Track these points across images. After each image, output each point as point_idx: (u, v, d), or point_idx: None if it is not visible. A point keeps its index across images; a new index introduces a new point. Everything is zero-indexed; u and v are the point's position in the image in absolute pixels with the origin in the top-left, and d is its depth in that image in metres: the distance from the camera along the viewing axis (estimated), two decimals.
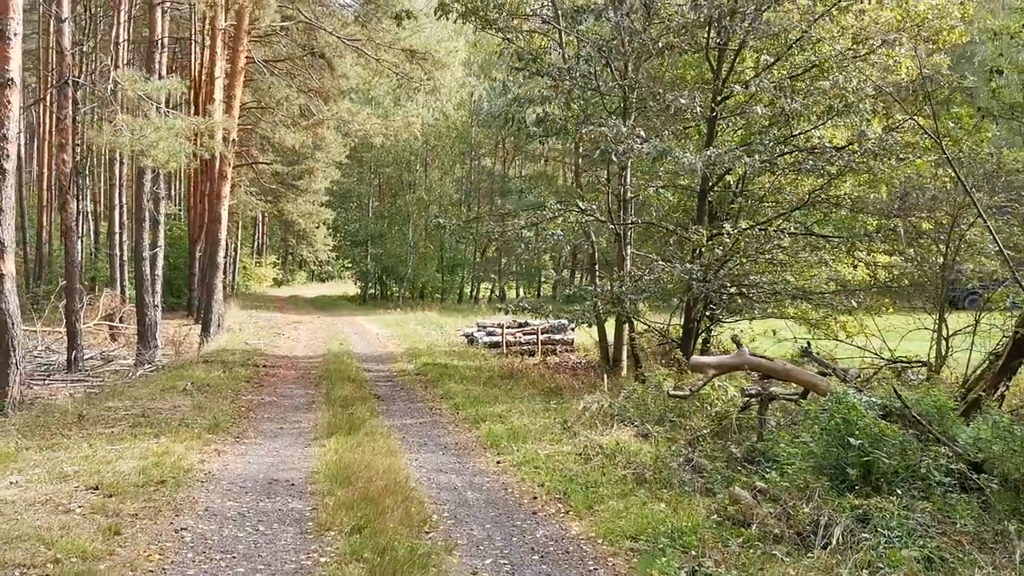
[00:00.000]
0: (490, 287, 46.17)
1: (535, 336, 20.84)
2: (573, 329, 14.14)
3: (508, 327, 21.35)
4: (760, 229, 14.10)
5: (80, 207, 37.12)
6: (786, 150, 13.64)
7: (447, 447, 8.59)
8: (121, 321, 23.67)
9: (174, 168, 11.51)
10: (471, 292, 44.65)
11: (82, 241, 38.73)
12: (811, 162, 12.86)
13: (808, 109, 12.98)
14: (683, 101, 12.94)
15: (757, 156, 12.40)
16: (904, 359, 10.44)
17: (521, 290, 48.56)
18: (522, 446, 8.15)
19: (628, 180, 16.11)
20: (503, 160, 43.95)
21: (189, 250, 31.55)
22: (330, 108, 27.24)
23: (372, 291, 42.36)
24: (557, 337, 21.32)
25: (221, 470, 7.26)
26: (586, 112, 14.01)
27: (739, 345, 7.56)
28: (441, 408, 11.16)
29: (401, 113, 29.00)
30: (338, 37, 22.73)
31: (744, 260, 14.11)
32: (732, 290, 14.31)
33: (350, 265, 44.79)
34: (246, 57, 22.36)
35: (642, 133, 13.19)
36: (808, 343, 12.50)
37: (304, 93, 26.94)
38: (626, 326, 16.37)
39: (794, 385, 7.80)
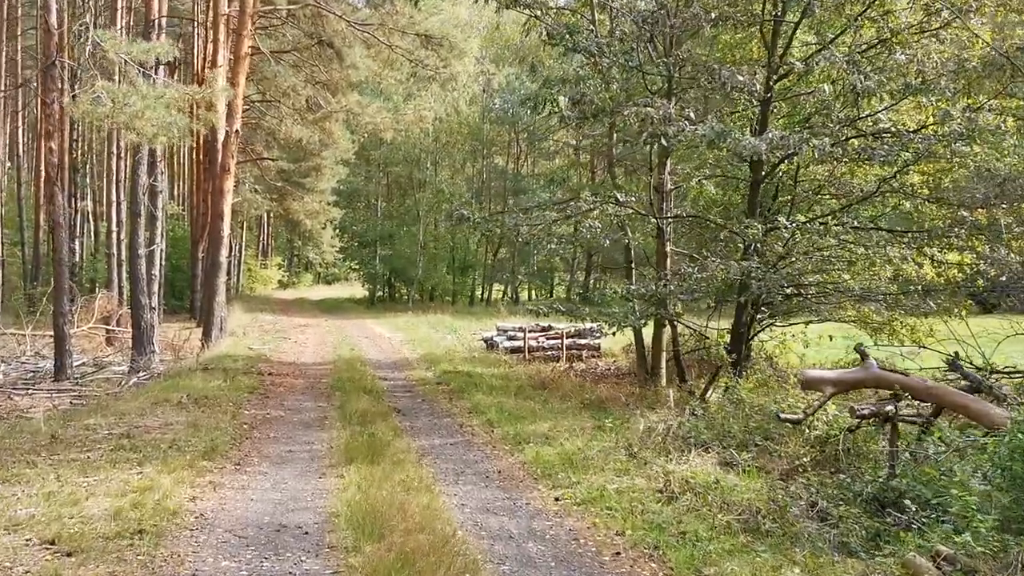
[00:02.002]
0: (502, 289, 44.77)
1: (560, 340, 19.45)
2: (613, 334, 12.70)
3: (530, 331, 19.95)
4: (820, 223, 12.64)
5: (79, 206, 35.93)
6: (851, 134, 12.20)
7: (489, 477, 7.15)
8: (118, 324, 22.32)
9: (164, 143, 10.13)
10: (482, 294, 43.23)
11: (82, 241, 37.56)
12: (885, 146, 11.40)
13: (882, 87, 11.53)
14: (741, 78, 11.50)
15: (827, 139, 10.94)
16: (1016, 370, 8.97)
17: (533, 292, 47.14)
18: (582, 477, 6.70)
19: (667, 171, 14.70)
20: (516, 158, 42.53)
21: (191, 251, 30.21)
22: (339, 100, 25.88)
23: (380, 293, 40.98)
24: (583, 342, 19.91)
25: (216, 511, 5.82)
26: (628, 92, 12.58)
27: (864, 356, 6.12)
28: (472, 425, 9.72)
29: (413, 106, 27.58)
30: (348, 22, 21.34)
31: (800, 257, 12.66)
32: (788, 290, 12.86)
33: (357, 267, 43.40)
34: (250, 46, 20.99)
35: (691, 115, 11.73)
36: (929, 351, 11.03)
37: (312, 84, 25.56)
38: (664, 330, 14.99)
39: (924, 404, 6.34)
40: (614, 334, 12.95)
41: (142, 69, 9.71)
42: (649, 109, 11.26)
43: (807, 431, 6.90)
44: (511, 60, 34.86)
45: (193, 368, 14.04)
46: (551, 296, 45.60)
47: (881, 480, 5.62)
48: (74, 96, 8.68)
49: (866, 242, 12.42)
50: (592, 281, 43.13)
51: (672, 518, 5.50)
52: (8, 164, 39.39)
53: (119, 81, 9.54)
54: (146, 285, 16.38)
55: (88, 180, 36.05)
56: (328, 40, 23.84)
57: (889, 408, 6.38)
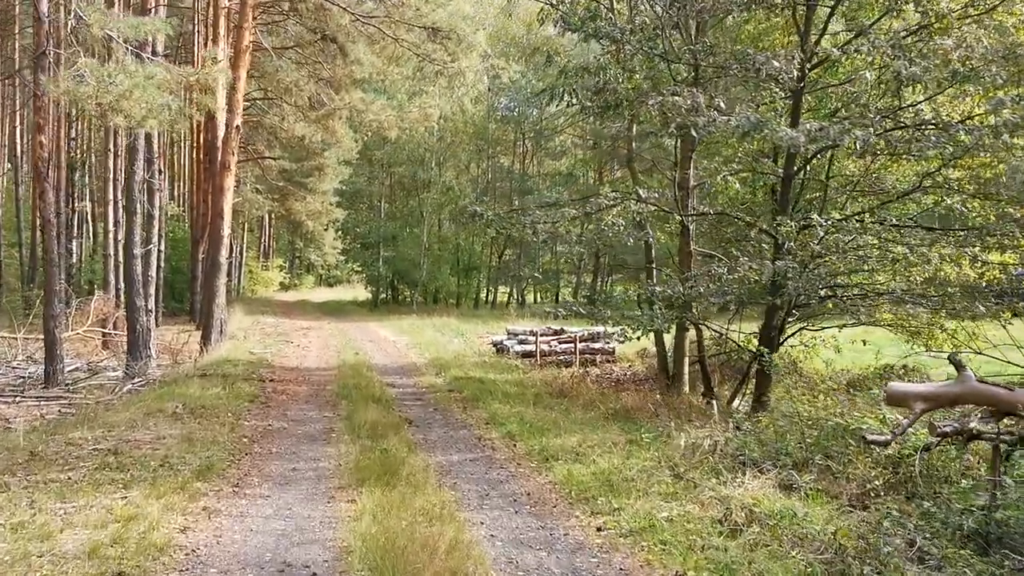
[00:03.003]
0: (508, 292, 44.03)
1: (572, 344, 18.70)
2: (637, 338, 11.93)
3: (542, 334, 19.19)
4: (857, 220, 11.85)
5: (77, 206, 35.20)
6: (890, 126, 11.43)
7: (518, 500, 6.37)
8: (115, 327, 21.55)
9: (155, 127, 9.35)
10: (487, 297, 42.48)
11: (80, 242, 36.84)
12: (932, 138, 10.61)
13: (928, 74, 10.76)
14: (777, 64, 10.73)
15: (871, 129, 10.17)
16: None
17: (539, 295, 46.40)
18: (624, 502, 5.92)
19: (692, 165, 13.96)
20: (522, 158, 41.79)
21: (192, 252, 29.51)
22: (342, 98, 25.12)
23: (383, 296, 40.23)
24: (596, 346, 19.18)
25: (210, 546, 5.05)
26: (653, 80, 11.84)
27: (960, 367, 5.35)
28: (492, 438, 8.94)
29: (418, 103, 26.84)
30: (353, 14, 20.59)
31: (834, 257, 11.89)
32: (822, 292, 12.09)
33: (360, 269, 42.66)
34: (252, 40, 20.25)
35: (721, 104, 10.95)
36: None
37: (314, 81, 24.81)
38: (687, 334, 14.23)
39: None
40: (638, 338, 12.17)
41: (132, 48, 8.95)
42: (677, 98, 10.51)
43: (877, 450, 6.11)
44: (518, 57, 34.10)
45: (190, 374, 13.28)
46: (557, 299, 44.85)
47: (982, 512, 4.85)
48: (55, 77, 7.92)
49: (909, 240, 11.66)
50: (600, 283, 42.37)
51: (741, 557, 4.72)
52: (8, 166, 38.73)
53: (107, 61, 8.79)
54: (142, 286, 15.63)
55: (87, 180, 35.36)
56: (331, 35, 23.08)
57: (974, 426, 5.61)
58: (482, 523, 5.72)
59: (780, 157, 14.35)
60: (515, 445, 8.44)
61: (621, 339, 11.51)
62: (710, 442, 6.89)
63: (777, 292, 11.29)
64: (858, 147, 10.57)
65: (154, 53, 11.47)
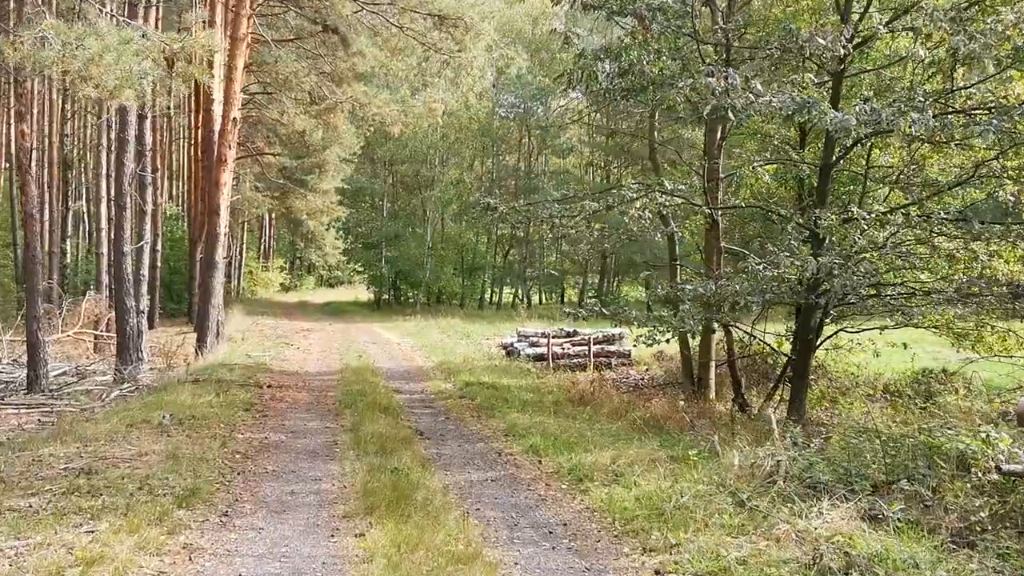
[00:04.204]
0: (512, 292, 43.12)
1: (586, 347, 17.77)
2: (667, 340, 11.06)
3: (554, 336, 18.28)
4: (903, 213, 10.93)
5: (72, 205, 34.32)
6: (939, 110, 10.52)
7: (553, 532, 5.44)
8: (107, 329, 20.64)
9: (130, 99, 8.41)
10: (491, 297, 41.57)
11: (76, 242, 35.96)
12: (993, 123, 9.69)
13: (988, 51, 9.84)
14: (822, 40, 9.82)
15: (930, 112, 9.25)
16: None
17: (543, 296, 45.49)
18: (682, 536, 5.00)
19: (720, 154, 13.06)
20: (527, 156, 40.86)
21: (190, 252, 28.59)
22: (344, 91, 24.20)
23: (386, 296, 39.31)
24: (611, 348, 18.26)
25: None
26: (684, 61, 10.93)
27: None
28: (513, 452, 8.02)
29: (423, 98, 25.91)
30: (355, 1, 19.67)
31: (876, 253, 10.97)
32: (863, 291, 11.19)
33: (362, 269, 41.73)
34: (250, 31, 19.36)
35: (758, 86, 10.00)
36: None
37: (315, 74, 23.90)
38: (713, 336, 13.33)
39: None
40: (668, 341, 11.28)
41: (107, 10, 8.09)
42: (711, 79, 9.58)
43: (980, 475, 5.19)
44: (526, 45, 33.06)
45: (182, 379, 12.36)
46: (562, 300, 43.93)
47: None
48: (13, 40, 7.01)
49: (955, 234, 10.75)
50: (607, 285, 41.46)
51: None
52: (6, 164, 37.83)
53: (75, 22, 7.88)
54: (132, 285, 14.68)
55: (84, 178, 34.53)
56: (333, 25, 22.15)
57: None
58: (515, 564, 4.79)
59: (810, 146, 13.47)
60: (540, 462, 7.52)
61: (649, 342, 10.60)
62: (772, 462, 5.97)
63: (817, 291, 10.41)
64: (914, 131, 9.66)
65: (131, 6, 10.51)
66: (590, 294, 40.70)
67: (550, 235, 12.88)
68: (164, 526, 5.16)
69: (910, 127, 9.31)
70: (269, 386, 12.31)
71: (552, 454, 7.66)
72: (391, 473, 6.64)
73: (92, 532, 4.97)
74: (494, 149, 40.57)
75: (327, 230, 39.27)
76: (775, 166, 13.25)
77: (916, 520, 5.11)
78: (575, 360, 17.48)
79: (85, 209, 34.36)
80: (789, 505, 5.34)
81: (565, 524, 5.61)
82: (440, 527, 5.20)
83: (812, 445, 6.54)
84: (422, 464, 7.15)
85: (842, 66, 11.02)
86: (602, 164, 40.35)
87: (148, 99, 10.13)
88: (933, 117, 10.19)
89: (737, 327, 12.52)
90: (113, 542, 4.76)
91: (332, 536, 5.22)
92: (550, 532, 5.44)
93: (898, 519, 5.06)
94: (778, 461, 5.97)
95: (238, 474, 6.83)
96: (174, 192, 39.62)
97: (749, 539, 4.87)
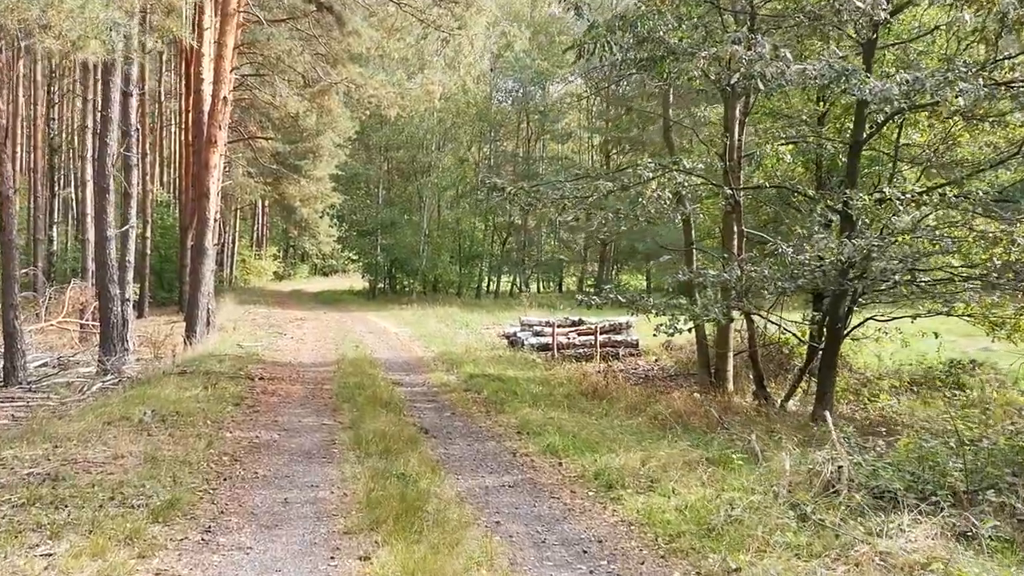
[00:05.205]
0: (510, 280, 42.38)
1: (593, 336, 17.07)
2: (689, 330, 10.35)
3: (559, 325, 17.55)
4: (940, 194, 10.21)
5: (60, 191, 33.39)
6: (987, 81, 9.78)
7: (588, 552, 4.72)
8: (93, 318, 19.83)
9: (97, 54, 7.63)
10: (489, 286, 40.80)
11: (65, 229, 35.04)
12: None
13: None
14: (860, 3, 9.08)
15: (980, 82, 8.52)
16: None
17: (541, 284, 44.77)
18: (741, 559, 4.27)
19: (743, 131, 12.33)
20: (526, 141, 40.02)
21: (181, 238, 27.68)
22: (339, 72, 23.32)
23: (381, 285, 38.50)
24: (618, 338, 17.55)
25: None
26: (707, 29, 10.18)
27: None
28: (529, 453, 7.29)
29: (420, 79, 25.04)
30: None
31: (908, 236, 10.26)
32: (898, 276, 10.46)
33: (356, 257, 40.88)
34: (241, 9, 18.48)
35: (787, 54, 9.21)
36: None
37: (310, 54, 23.01)
38: (731, 325, 12.62)
39: None
40: (690, 330, 10.56)
41: None
42: (737, 47, 8.81)
43: None
44: (525, 29, 32.09)
45: (168, 371, 11.59)
46: (560, 288, 43.22)
47: None
48: None
49: (1009, 216, 10.04)
50: (606, 272, 40.72)
51: None
52: None
53: None
54: (117, 272, 13.89)
55: (71, 164, 33.64)
56: (328, 3, 21.30)
57: None
58: None
59: (830, 124, 12.75)
60: (561, 464, 6.79)
61: (670, 331, 9.87)
62: (832, 467, 5.24)
63: (847, 276, 9.70)
64: (962, 103, 8.92)
65: None
66: (589, 282, 39.99)
67: (559, 218, 12.05)
68: (135, 547, 4.41)
69: (957, 97, 8.59)
70: (261, 378, 11.55)
71: (573, 455, 6.93)
72: (397, 479, 5.90)
73: (49, 555, 4.22)
74: (492, 135, 39.73)
75: (321, 217, 38.37)
76: (792, 145, 12.53)
77: (1010, 538, 4.40)
78: (580, 350, 16.79)
79: (73, 195, 33.46)
80: (860, 519, 4.62)
81: (600, 541, 4.88)
82: (459, 549, 4.46)
83: (877, 448, 5.81)
84: (431, 468, 6.41)
85: (875, 34, 10.30)
86: (603, 151, 39.51)
87: (119, 54, 9.28)
88: (996, 86, 9.47)
89: (762, 315, 11.81)
90: (72, 568, 4.01)
91: (332, 558, 4.48)
92: (584, 551, 4.71)
93: (989, 537, 4.35)
94: (839, 467, 5.24)
95: (224, 480, 6.08)
96: (165, 179, 38.70)
97: (823, 563, 4.15)
